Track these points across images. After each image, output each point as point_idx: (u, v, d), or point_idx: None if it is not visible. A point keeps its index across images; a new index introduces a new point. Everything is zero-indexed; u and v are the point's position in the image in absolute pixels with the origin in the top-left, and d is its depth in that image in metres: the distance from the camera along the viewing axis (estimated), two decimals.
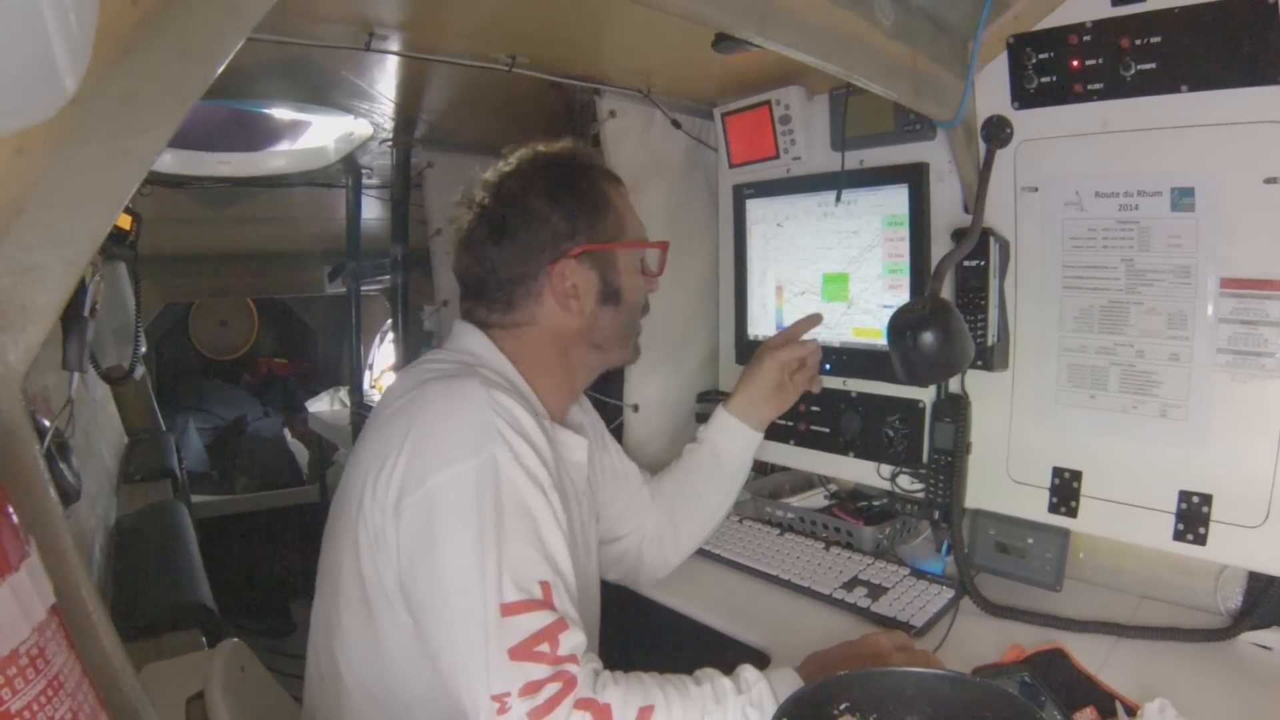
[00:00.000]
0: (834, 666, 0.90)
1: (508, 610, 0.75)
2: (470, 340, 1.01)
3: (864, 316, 1.43)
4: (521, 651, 0.74)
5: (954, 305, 1.11)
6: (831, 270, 1.47)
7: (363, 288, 2.97)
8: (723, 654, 1.12)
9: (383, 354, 3.59)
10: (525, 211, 0.97)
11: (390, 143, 2.11)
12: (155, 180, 2.27)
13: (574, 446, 1.03)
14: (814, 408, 1.54)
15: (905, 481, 1.40)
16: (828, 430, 1.52)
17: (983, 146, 1.22)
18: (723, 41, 1.13)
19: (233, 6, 0.51)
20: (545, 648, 0.75)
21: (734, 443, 1.28)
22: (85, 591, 0.52)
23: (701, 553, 1.42)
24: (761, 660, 1.08)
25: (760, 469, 1.80)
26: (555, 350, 1.01)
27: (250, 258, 3.29)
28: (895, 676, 0.82)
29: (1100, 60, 1.09)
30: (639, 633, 1.33)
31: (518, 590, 0.76)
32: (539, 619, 0.76)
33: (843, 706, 0.80)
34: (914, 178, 1.33)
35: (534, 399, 0.99)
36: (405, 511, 0.81)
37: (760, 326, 1.61)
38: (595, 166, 1.04)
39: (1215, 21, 0.99)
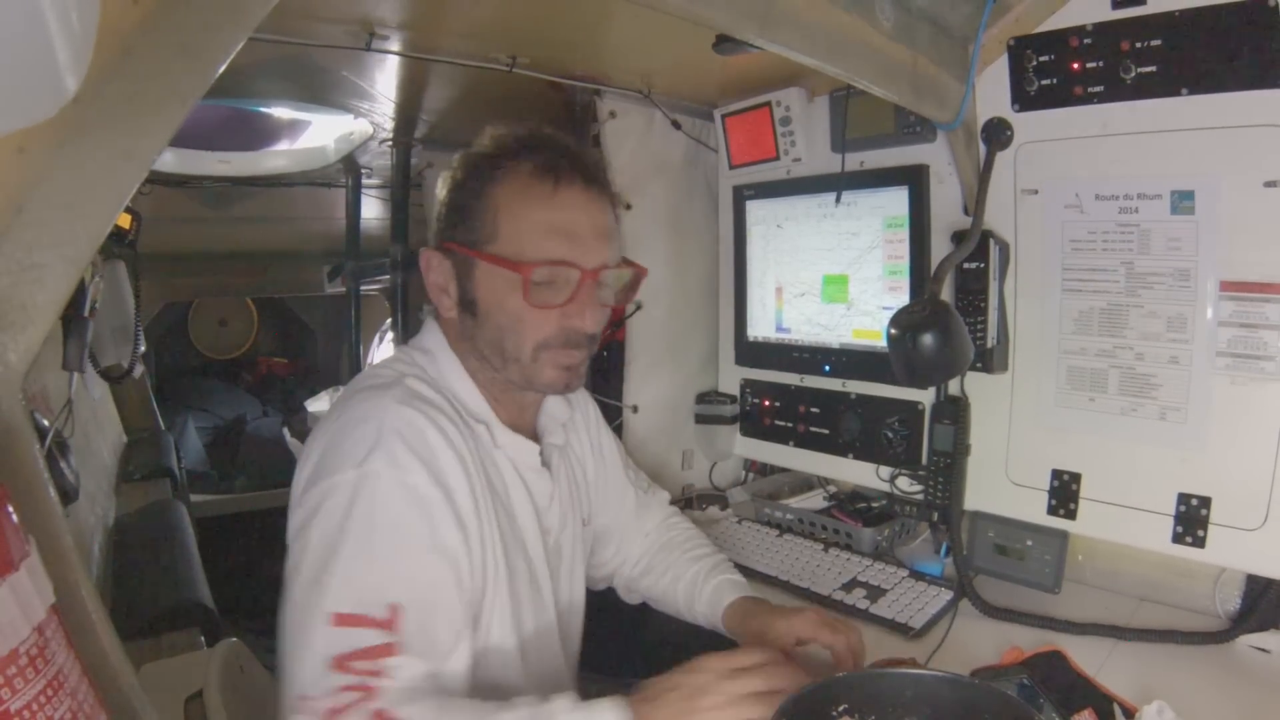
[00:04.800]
0: (660, 696, 0.79)
1: (338, 620, 0.73)
2: (427, 337, 0.98)
3: (864, 318, 1.43)
4: (339, 662, 0.72)
5: (953, 307, 1.11)
6: (831, 272, 1.47)
7: (362, 288, 2.97)
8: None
9: (382, 354, 3.59)
10: (439, 194, 0.95)
11: (390, 143, 2.11)
12: (155, 179, 2.27)
13: (522, 452, 0.97)
14: (814, 409, 1.54)
15: (904, 483, 1.40)
16: (827, 432, 1.52)
17: (983, 149, 1.22)
18: (723, 43, 1.13)
19: (233, 6, 0.51)
20: (363, 664, 0.72)
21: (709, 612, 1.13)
22: (85, 591, 0.52)
23: None
24: None
25: (760, 470, 1.80)
26: (470, 348, 0.95)
27: (250, 257, 3.29)
28: (894, 678, 0.82)
29: (1100, 63, 1.10)
30: (637, 634, 1.33)
31: (355, 604, 0.74)
32: (368, 636, 0.73)
33: (841, 708, 0.80)
34: (914, 179, 1.33)
35: (477, 402, 0.94)
36: (294, 513, 0.83)
37: (760, 327, 1.61)
38: (504, 165, 0.90)
39: (1215, 25, 0.99)
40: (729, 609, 1.09)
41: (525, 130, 0.93)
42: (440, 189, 0.95)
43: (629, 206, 1.56)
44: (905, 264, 1.36)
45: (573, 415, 1.13)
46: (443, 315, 0.95)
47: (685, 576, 1.15)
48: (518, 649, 0.94)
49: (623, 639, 1.17)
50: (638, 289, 1.00)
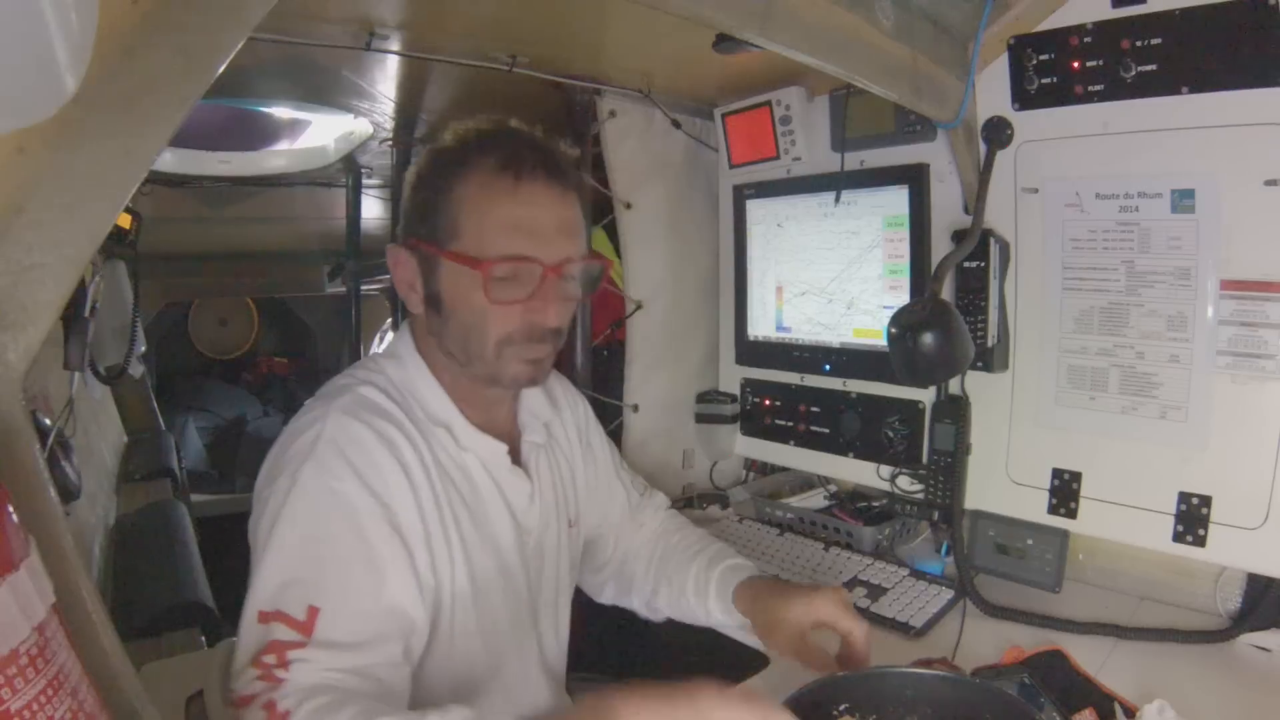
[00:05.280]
0: None
1: (261, 617, 0.76)
2: (398, 340, 0.98)
3: (864, 317, 1.43)
4: (256, 656, 0.74)
5: (954, 306, 1.11)
6: (831, 272, 1.47)
7: (363, 287, 2.97)
8: (722, 656, 1.12)
9: None
10: (405, 189, 0.95)
11: (390, 142, 2.11)
12: (155, 179, 2.26)
13: (490, 452, 0.97)
14: (814, 408, 1.54)
15: (905, 482, 1.40)
16: (827, 431, 1.52)
17: (983, 147, 1.22)
18: (723, 42, 1.13)
19: (233, 6, 0.51)
20: (272, 659, 0.74)
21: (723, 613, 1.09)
22: (85, 591, 0.52)
23: None
24: (760, 662, 1.08)
25: (760, 469, 1.80)
26: (436, 344, 0.95)
27: (250, 257, 3.29)
28: (895, 678, 0.82)
29: (1101, 62, 1.09)
30: (636, 634, 1.33)
31: (274, 602, 0.76)
32: (282, 632, 0.75)
33: (842, 707, 0.80)
34: (914, 178, 1.33)
35: (442, 405, 0.94)
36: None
37: (760, 326, 1.61)
38: (467, 161, 0.89)
39: (1216, 23, 0.99)
40: (738, 591, 1.05)
41: (489, 124, 0.92)
42: (406, 184, 0.94)
43: (629, 205, 1.56)
44: (905, 263, 1.36)
45: (559, 414, 1.12)
46: (411, 311, 0.95)
47: (690, 579, 1.12)
48: (486, 650, 0.94)
49: (612, 638, 1.15)
50: (605, 279, 0.99)
